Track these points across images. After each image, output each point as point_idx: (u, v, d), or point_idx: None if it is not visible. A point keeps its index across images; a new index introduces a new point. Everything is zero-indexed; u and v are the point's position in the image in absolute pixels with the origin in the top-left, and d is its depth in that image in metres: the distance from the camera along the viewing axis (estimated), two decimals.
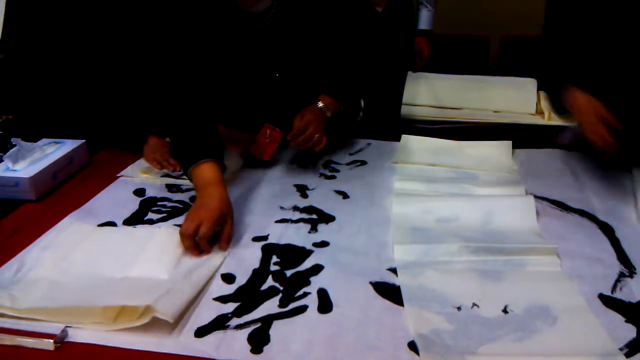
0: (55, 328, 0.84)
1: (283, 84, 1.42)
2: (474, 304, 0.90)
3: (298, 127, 1.32)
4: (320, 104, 1.38)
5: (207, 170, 1.12)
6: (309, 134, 1.32)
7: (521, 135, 1.59)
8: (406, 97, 1.94)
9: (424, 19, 2.42)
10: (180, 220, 1.16)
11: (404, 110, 1.87)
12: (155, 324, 0.85)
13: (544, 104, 1.82)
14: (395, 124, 1.76)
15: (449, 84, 1.99)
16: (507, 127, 1.73)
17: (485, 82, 2.01)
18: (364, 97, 1.65)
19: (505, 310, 0.89)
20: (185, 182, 1.32)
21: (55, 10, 1.60)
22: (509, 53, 2.62)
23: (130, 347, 0.82)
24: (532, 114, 1.84)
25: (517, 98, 1.90)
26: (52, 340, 0.82)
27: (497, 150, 1.48)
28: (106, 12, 1.58)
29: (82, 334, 0.85)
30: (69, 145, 1.41)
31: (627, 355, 0.79)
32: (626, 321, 0.86)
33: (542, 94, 1.85)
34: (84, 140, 1.45)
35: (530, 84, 1.93)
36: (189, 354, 0.81)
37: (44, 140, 1.42)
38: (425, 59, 2.41)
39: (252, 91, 1.44)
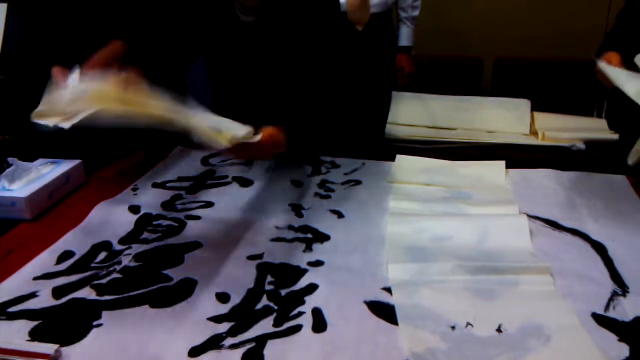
0: (49, 348, 0.84)
1: (264, 82, 1.38)
2: (468, 323, 0.90)
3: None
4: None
5: None
6: None
7: (514, 156, 1.60)
8: (400, 117, 1.95)
9: (404, 36, 2.42)
10: (176, 239, 1.17)
11: (395, 130, 1.87)
12: (150, 343, 0.85)
13: (538, 125, 1.85)
14: (381, 144, 1.73)
15: (443, 105, 2.02)
16: (500, 147, 1.74)
17: (479, 102, 2.03)
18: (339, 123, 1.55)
19: (499, 330, 0.89)
20: (179, 201, 1.34)
21: (52, 31, 1.62)
22: (503, 75, 2.65)
23: None
24: (526, 134, 1.87)
25: (510, 118, 1.92)
26: None
27: (491, 170, 1.49)
28: (101, 29, 1.60)
29: (76, 353, 0.84)
30: (65, 165, 1.41)
31: None
32: (619, 340, 0.86)
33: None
34: (80, 160, 1.46)
35: (523, 104, 1.96)
36: None
37: (41, 160, 1.42)
38: (407, 75, 2.38)
39: (233, 85, 1.42)
